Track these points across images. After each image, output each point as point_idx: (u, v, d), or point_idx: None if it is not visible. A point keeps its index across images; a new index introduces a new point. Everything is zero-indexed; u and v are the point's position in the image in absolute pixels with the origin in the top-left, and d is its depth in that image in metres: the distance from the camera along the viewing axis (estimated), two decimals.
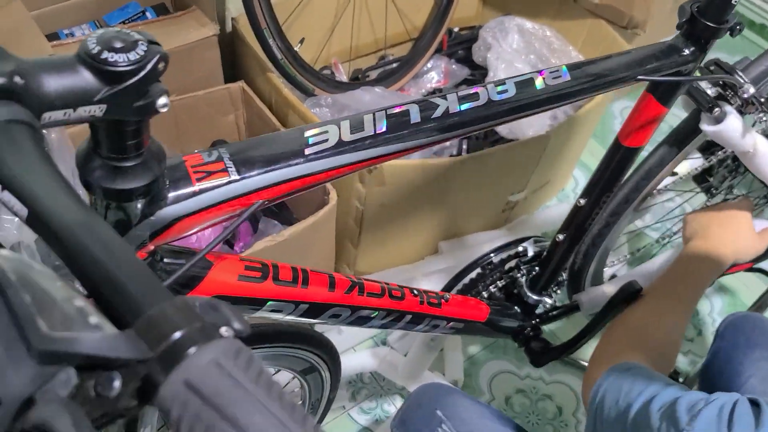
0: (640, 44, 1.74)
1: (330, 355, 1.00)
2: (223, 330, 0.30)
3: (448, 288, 1.20)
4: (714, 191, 1.28)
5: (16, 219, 1.21)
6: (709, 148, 1.21)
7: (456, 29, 1.92)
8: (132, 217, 0.52)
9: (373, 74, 1.78)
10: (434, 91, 1.80)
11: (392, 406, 1.50)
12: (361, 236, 1.46)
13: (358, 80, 1.76)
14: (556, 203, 1.86)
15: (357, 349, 1.56)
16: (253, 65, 1.48)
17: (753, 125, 0.91)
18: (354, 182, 1.40)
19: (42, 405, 0.27)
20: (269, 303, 0.68)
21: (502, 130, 1.62)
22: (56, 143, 1.31)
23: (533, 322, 1.14)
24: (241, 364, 0.28)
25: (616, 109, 2.11)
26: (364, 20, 1.75)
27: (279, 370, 0.95)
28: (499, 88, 0.66)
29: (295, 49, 1.41)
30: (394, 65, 1.77)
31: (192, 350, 0.28)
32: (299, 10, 1.54)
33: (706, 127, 0.86)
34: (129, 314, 0.29)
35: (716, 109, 0.84)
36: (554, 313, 1.16)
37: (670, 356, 0.92)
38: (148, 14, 1.50)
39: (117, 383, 0.28)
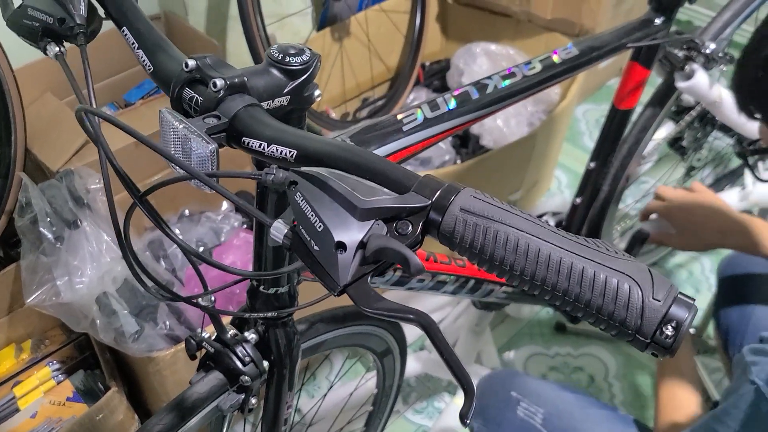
0: None
1: (400, 338, 1.14)
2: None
3: None
4: (686, 152, 1.49)
5: (85, 278, 1.32)
6: (679, 114, 1.41)
7: (427, 63, 2.12)
8: None
9: (363, 113, 1.96)
10: None
11: (442, 402, 1.63)
12: None
13: (348, 121, 1.95)
14: (546, 199, 2.05)
15: None
16: None
17: (718, 79, 1.11)
18: None
19: (374, 239, 0.42)
20: None
21: (488, 142, 1.82)
22: (104, 210, 1.44)
23: None
24: (486, 197, 0.44)
25: (579, 112, 2.33)
26: (346, 68, 1.94)
27: (363, 354, 1.09)
28: (528, 66, 0.84)
29: None
30: (381, 102, 1.97)
31: (455, 193, 0.44)
32: None
33: (680, 83, 1.06)
34: (405, 184, 0.45)
35: (687, 67, 1.03)
36: None
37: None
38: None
39: (410, 227, 0.43)
